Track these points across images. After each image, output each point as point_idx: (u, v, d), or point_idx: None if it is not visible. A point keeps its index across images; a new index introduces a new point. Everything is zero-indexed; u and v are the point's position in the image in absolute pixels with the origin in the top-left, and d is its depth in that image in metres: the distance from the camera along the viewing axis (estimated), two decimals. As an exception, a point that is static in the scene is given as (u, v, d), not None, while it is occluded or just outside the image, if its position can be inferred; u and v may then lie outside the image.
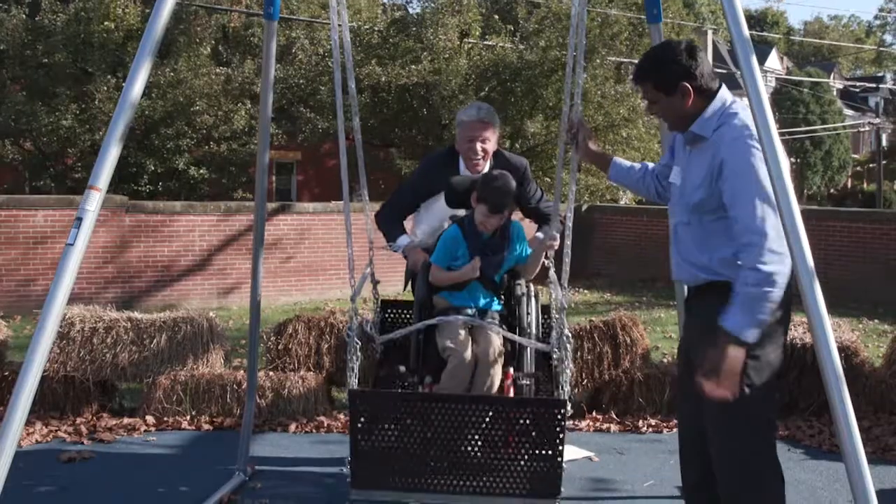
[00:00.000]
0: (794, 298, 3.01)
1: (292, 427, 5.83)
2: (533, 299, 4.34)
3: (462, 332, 4.05)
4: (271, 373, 6.15)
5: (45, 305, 2.71)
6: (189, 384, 5.97)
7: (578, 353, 6.14)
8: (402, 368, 4.14)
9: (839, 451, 2.53)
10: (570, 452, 5.16)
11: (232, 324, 9.79)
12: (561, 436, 3.48)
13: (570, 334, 3.80)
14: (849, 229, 13.20)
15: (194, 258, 12.48)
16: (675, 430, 5.82)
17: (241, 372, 6.06)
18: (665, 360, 7.25)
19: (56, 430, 5.68)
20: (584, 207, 16.29)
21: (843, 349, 5.87)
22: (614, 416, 6.10)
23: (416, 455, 3.56)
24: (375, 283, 4.45)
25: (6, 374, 6.02)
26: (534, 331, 4.27)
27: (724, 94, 3.11)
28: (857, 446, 2.46)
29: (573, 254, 3.87)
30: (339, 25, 3.83)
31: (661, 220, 14.26)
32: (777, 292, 2.84)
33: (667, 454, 5.32)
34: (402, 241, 4.56)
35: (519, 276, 4.41)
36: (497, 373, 4.03)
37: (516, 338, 4.07)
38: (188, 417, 5.93)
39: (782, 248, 2.79)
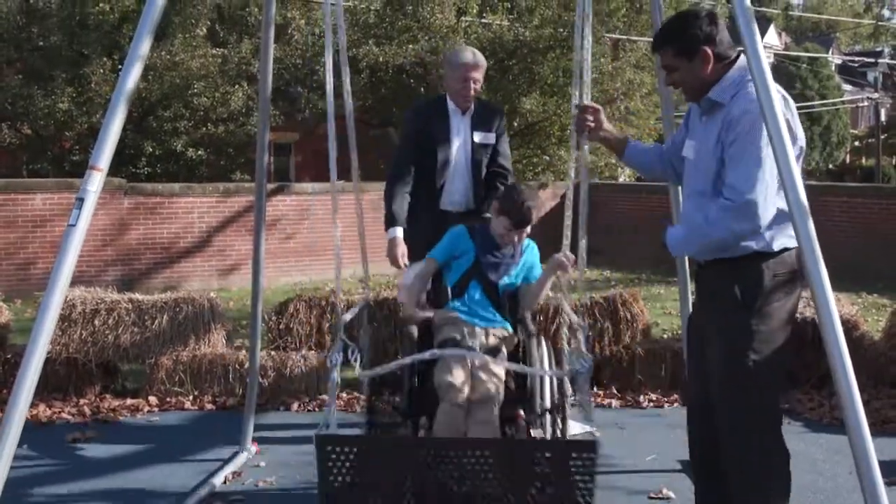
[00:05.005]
0: (801, 276, 3.02)
1: (294, 406, 5.86)
2: (543, 339, 3.94)
3: (459, 368, 3.55)
4: (273, 352, 6.17)
5: (49, 286, 2.71)
6: (191, 364, 6.00)
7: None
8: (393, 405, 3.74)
9: (840, 423, 2.54)
10: (572, 428, 5.17)
11: (232, 304, 9.79)
12: (591, 486, 2.77)
13: (588, 353, 3.35)
14: (848, 204, 13.19)
15: (194, 239, 12.47)
16: (675, 404, 5.86)
17: (243, 352, 6.07)
18: (665, 336, 7.28)
19: (59, 412, 5.71)
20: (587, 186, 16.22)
21: (843, 323, 5.87)
22: (615, 392, 6.13)
23: None
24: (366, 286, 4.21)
25: (9, 356, 6.04)
26: (545, 363, 3.81)
27: (744, 62, 3.03)
28: (860, 418, 2.48)
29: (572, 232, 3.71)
30: (333, 4, 3.64)
31: (661, 196, 14.21)
32: (722, 240, 2.99)
33: (667, 428, 5.35)
34: (392, 233, 4.56)
35: (522, 309, 4.02)
36: (493, 419, 3.48)
37: (525, 368, 3.63)
38: (191, 397, 5.95)
39: (765, 218, 2.88)
